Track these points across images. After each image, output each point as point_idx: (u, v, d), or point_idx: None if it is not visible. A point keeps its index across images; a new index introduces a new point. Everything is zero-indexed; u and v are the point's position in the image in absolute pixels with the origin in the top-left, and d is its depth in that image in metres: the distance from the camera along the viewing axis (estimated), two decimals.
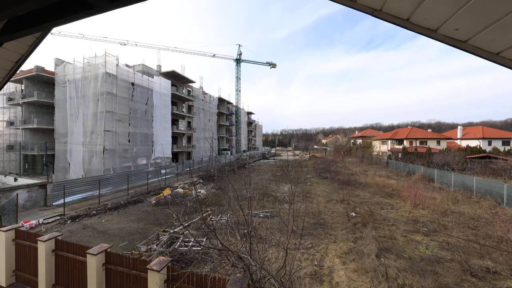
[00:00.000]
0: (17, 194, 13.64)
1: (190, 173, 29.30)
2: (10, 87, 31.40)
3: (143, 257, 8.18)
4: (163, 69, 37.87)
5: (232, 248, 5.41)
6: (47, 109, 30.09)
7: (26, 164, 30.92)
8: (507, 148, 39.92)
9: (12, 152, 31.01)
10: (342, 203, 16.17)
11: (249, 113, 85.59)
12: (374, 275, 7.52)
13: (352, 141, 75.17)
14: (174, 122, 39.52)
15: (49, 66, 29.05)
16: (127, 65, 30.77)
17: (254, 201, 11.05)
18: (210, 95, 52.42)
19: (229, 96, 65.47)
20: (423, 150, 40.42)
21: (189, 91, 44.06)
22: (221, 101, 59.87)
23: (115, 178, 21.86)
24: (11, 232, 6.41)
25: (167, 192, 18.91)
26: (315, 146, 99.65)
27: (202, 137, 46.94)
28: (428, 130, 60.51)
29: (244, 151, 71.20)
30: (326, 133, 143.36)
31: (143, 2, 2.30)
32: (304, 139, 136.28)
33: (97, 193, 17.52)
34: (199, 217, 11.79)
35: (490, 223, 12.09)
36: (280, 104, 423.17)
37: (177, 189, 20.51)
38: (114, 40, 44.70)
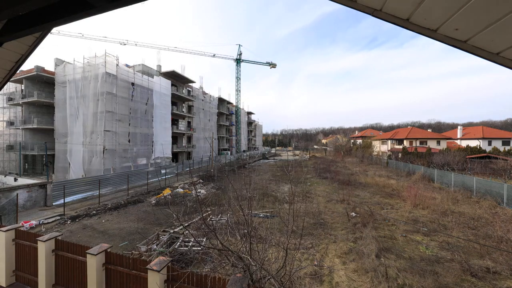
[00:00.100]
0: (17, 194, 13.64)
1: (190, 173, 29.30)
2: (10, 87, 31.40)
3: (143, 257, 8.18)
4: (163, 69, 37.87)
5: (232, 248, 5.41)
6: (47, 109, 30.09)
7: (26, 164, 30.92)
8: (507, 148, 39.91)
9: (12, 152, 31.01)
10: (342, 203, 16.17)
11: (249, 113, 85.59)
12: (374, 275, 7.52)
13: (352, 141, 75.18)
14: (174, 122, 39.52)
15: (49, 66, 29.10)
16: (127, 65, 30.78)
17: (254, 201, 11.05)
18: (210, 95, 52.42)
19: (229, 96, 65.56)
20: (423, 150, 40.42)
21: (189, 91, 44.06)
22: (221, 101, 59.87)
23: (115, 178, 21.86)
24: (11, 232, 6.41)
25: (167, 192, 18.91)
26: (315, 146, 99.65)
27: (202, 137, 46.94)
28: (428, 130, 60.50)
29: (244, 151, 71.20)
30: (326, 133, 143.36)
31: (143, 2, 2.30)
32: (304, 139, 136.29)
33: (97, 193, 17.52)
34: (199, 217, 11.79)
35: (490, 223, 12.09)
36: (280, 104, 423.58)
37: (177, 189, 20.51)
38: (114, 40, 44.74)
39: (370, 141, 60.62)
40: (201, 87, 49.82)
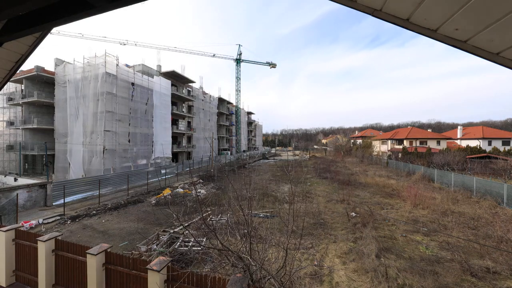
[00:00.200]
0: (17, 194, 13.64)
1: (190, 173, 29.29)
2: (10, 87, 31.40)
3: (143, 257, 8.18)
4: (163, 69, 37.87)
5: (232, 248, 5.41)
6: (47, 109, 30.09)
7: (26, 164, 30.92)
8: (507, 148, 39.91)
9: (12, 152, 31.01)
10: (342, 203, 16.17)
11: (249, 113, 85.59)
12: (374, 275, 7.52)
13: (352, 141, 75.18)
14: (174, 122, 39.53)
15: (49, 66, 29.10)
16: (127, 65, 30.78)
17: (254, 201, 11.05)
18: (210, 95, 52.42)
19: (229, 96, 65.56)
20: (423, 150, 40.42)
21: (189, 91, 44.06)
22: (221, 101, 59.87)
23: (115, 178, 21.86)
24: (11, 232, 6.41)
25: (167, 192, 18.91)
26: (315, 146, 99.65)
27: (202, 137, 46.94)
28: (428, 130, 60.50)
29: (244, 151, 71.21)
30: (326, 133, 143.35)
31: (143, 2, 2.30)
32: (304, 139, 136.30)
33: (97, 193, 17.52)
34: (199, 217, 11.79)
35: (490, 223, 12.09)
36: (281, 104, 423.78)
37: (177, 189, 20.51)
38: (114, 40, 44.73)
39: (370, 141, 60.62)
40: (201, 87, 49.83)
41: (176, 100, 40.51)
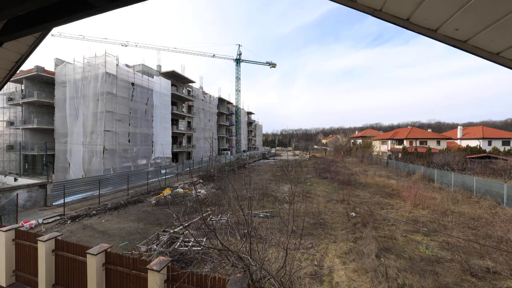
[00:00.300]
0: (17, 194, 13.64)
1: (190, 173, 29.30)
2: (10, 87, 31.40)
3: (143, 257, 8.18)
4: (163, 69, 37.88)
5: (232, 248, 5.41)
6: (47, 109, 30.09)
7: (26, 164, 30.92)
8: (507, 148, 39.92)
9: (12, 152, 31.01)
10: (342, 203, 16.17)
11: (249, 113, 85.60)
12: (374, 275, 7.52)
13: (352, 141, 75.19)
14: (174, 122, 39.52)
15: (49, 66, 29.10)
16: (127, 65, 30.78)
17: (254, 201, 11.05)
18: (210, 95, 52.43)
19: (229, 96, 65.56)
20: (423, 150, 40.42)
21: (189, 91, 44.06)
22: (221, 101, 59.88)
23: (115, 178, 21.86)
24: (11, 232, 6.41)
25: (167, 192, 18.91)
26: (315, 146, 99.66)
27: (202, 137, 46.94)
28: (428, 130, 60.50)
29: (244, 151, 71.21)
30: (326, 133, 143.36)
31: (143, 2, 2.30)
32: (304, 139, 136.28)
33: (97, 193, 17.52)
34: (199, 217, 11.79)
35: (490, 223, 12.09)
36: (281, 103, 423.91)
37: (177, 189, 20.51)
38: (114, 41, 44.69)
39: (370, 141, 60.63)
40: (201, 87, 49.84)
41: (176, 100, 40.51)
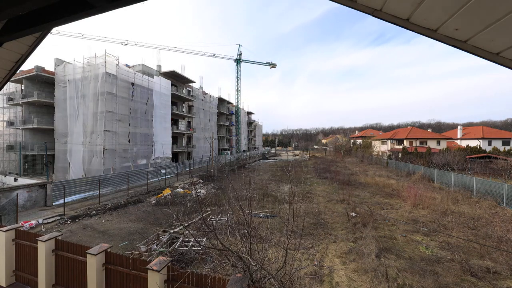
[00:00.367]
0: (17, 194, 13.64)
1: (190, 173, 29.30)
2: (10, 87, 31.40)
3: (143, 257, 8.18)
4: (163, 69, 37.87)
5: (232, 248, 5.41)
6: (47, 109, 30.09)
7: (26, 164, 30.91)
8: (507, 148, 39.91)
9: (12, 152, 31.01)
10: (342, 203, 16.17)
11: (249, 113, 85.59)
12: (374, 275, 7.52)
13: (352, 141, 75.16)
14: (174, 122, 39.53)
15: (49, 66, 29.09)
16: (127, 65, 30.78)
17: (254, 201, 11.05)
18: (210, 95, 52.42)
19: (229, 96, 65.56)
20: (423, 150, 40.42)
21: (189, 91, 44.06)
22: (221, 101, 59.88)
23: (115, 178, 21.86)
24: (11, 232, 6.41)
25: (167, 192, 18.91)
26: (315, 146, 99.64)
27: (202, 137, 46.94)
28: (428, 130, 60.49)
29: (244, 151, 71.20)
30: (326, 133, 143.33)
31: (143, 2, 2.30)
32: (304, 139, 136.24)
33: (97, 193, 17.52)
34: (199, 217, 11.79)
35: (490, 223, 12.09)
36: (281, 103, 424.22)
37: (177, 189, 20.51)
38: (114, 40, 44.71)
39: (370, 141, 60.62)
40: (201, 87, 49.83)
41: (176, 100, 40.51)
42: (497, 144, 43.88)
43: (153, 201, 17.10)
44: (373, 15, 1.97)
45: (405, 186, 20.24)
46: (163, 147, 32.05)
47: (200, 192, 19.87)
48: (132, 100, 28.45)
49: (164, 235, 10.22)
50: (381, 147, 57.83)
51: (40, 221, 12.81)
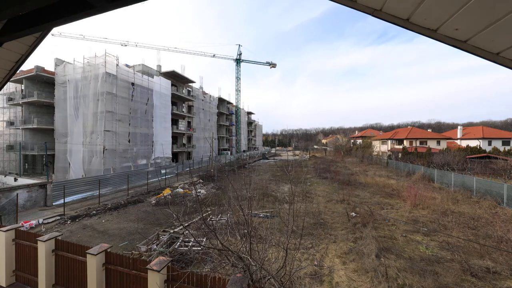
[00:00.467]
0: (17, 194, 13.64)
1: (190, 173, 29.30)
2: (10, 87, 31.40)
3: (143, 257, 8.18)
4: (163, 69, 37.87)
5: (232, 248, 5.41)
6: (47, 109, 30.10)
7: (26, 164, 30.91)
8: (507, 148, 39.91)
9: (12, 152, 31.01)
10: (342, 203, 16.17)
11: (249, 113, 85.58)
12: (374, 275, 7.52)
13: (352, 141, 75.16)
14: (174, 122, 39.53)
15: (49, 66, 29.09)
16: (127, 65, 30.78)
17: (254, 201, 11.04)
18: (210, 95, 52.42)
19: (229, 96, 65.55)
20: (423, 150, 40.41)
21: (189, 91, 44.06)
22: (221, 101, 59.88)
23: (115, 178, 21.86)
24: (11, 232, 6.41)
25: (167, 192, 18.91)
26: (315, 146, 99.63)
27: (202, 137, 46.94)
28: (428, 130, 60.49)
29: (244, 151, 71.19)
30: (326, 133, 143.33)
31: (143, 2, 2.30)
32: (304, 139, 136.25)
33: (97, 193, 17.52)
34: (199, 217, 11.79)
35: (490, 223, 12.09)
36: (282, 103, 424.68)
37: (177, 189, 20.51)
38: (114, 41, 44.65)
39: (370, 141, 60.61)
40: (201, 87, 49.83)
41: (176, 100, 40.51)
42: (497, 144, 43.87)
43: (153, 201, 17.10)
44: (373, 15, 1.97)
45: (405, 186, 20.23)
46: (163, 147, 32.05)
47: (200, 192, 19.87)
48: (132, 100, 28.45)
49: (164, 235, 10.22)
50: (381, 147, 57.83)
51: (40, 221, 12.81)
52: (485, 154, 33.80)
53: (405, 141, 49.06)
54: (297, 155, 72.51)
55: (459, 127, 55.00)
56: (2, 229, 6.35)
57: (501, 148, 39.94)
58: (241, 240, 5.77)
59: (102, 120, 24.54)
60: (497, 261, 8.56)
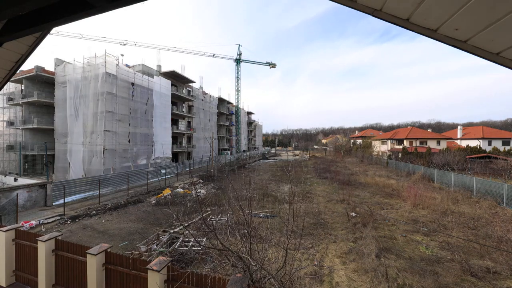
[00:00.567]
0: (17, 194, 13.64)
1: (190, 173, 29.30)
2: (10, 87, 31.40)
3: (143, 257, 8.18)
4: (163, 69, 37.87)
5: (232, 248, 5.41)
6: (47, 109, 30.09)
7: (26, 164, 30.91)
8: (507, 148, 39.91)
9: (12, 152, 31.01)
10: (342, 203, 16.17)
11: (249, 113, 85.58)
12: (374, 275, 7.52)
13: (352, 141, 75.16)
14: (174, 122, 39.53)
15: (49, 66, 29.09)
16: (127, 65, 30.78)
17: (254, 201, 11.04)
18: (210, 95, 52.42)
19: (229, 96, 65.54)
20: (423, 150, 40.41)
21: (189, 91, 44.06)
22: (221, 101, 59.87)
23: (115, 178, 21.86)
24: (11, 232, 6.41)
25: (167, 192, 18.91)
26: (315, 146, 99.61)
27: (202, 137, 46.93)
28: (428, 130, 60.49)
29: (244, 151, 71.19)
30: (326, 133, 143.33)
31: (143, 2, 2.30)
32: (304, 139, 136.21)
33: (97, 193, 17.52)
34: (199, 217, 11.79)
35: (490, 223, 12.09)
36: (282, 103, 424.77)
37: (177, 189, 20.51)
38: (113, 40, 44.62)
39: (370, 141, 60.62)
40: (201, 87, 49.83)
41: (176, 100, 40.51)
42: (497, 144, 43.87)
43: (153, 201, 17.10)
44: (373, 15, 1.97)
45: (405, 186, 20.23)
46: (163, 147, 32.05)
47: (200, 192, 19.87)
48: (132, 100, 28.45)
49: (164, 235, 10.22)
50: (381, 147, 57.83)
51: (40, 221, 12.81)
52: (485, 154, 33.80)
53: (405, 141, 49.06)
54: (297, 155, 72.50)
55: (459, 127, 55.00)
56: (2, 229, 6.35)
57: (501, 148, 39.94)
58: (241, 240, 5.77)
59: (102, 120, 24.54)
60: (497, 261, 8.56)
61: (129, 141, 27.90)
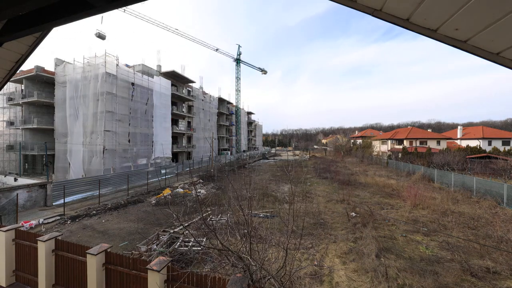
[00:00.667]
0: (17, 194, 13.64)
1: (190, 173, 29.30)
2: (10, 87, 31.39)
3: (143, 257, 8.18)
4: (163, 69, 37.86)
5: (232, 248, 5.41)
6: (47, 109, 30.09)
7: (26, 164, 30.91)
8: (507, 148, 39.91)
9: (12, 152, 31.01)
10: (342, 203, 16.17)
11: (249, 113, 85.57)
12: (374, 275, 7.52)
13: (352, 141, 75.15)
14: (174, 122, 39.53)
15: (49, 66, 29.08)
16: (127, 65, 30.77)
17: (254, 201, 11.04)
18: (210, 95, 52.40)
19: (229, 96, 65.53)
20: (423, 150, 40.41)
21: (189, 91, 44.05)
22: (221, 101, 59.87)
23: (115, 178, 21.86)
24: (11, 232, 6.41)
25: (167, 192, 18.91)
26: (315, 146, 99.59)
27: (202, 137, 46.92)
28: (428, 130, 60.51)
29: (244, 151, 71.19)
30: (326, 133, 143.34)
31: (143, 2, 2.30)
32: (304, 139, 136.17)
33: (97, 193, 17.52)
34: (199, 217, 11.79)
35: (490, 223, 12.09)
36: (282, 103, 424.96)
37: (177, 189, 20.51)
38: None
39: (370, 141, 60.61)
40: (201, 87, 49.81)
41: (176, 100, 40.50)
42: (497, 144, 43.87)
43: (153, 201, 17.10)
44: (373, 15, 1.97)
45: (405, 186, 20.23)
46: (163, 147, 32.05)
47: (200, 192, 19.87)
48: (132, 100, 28.45)
49: (164, 235, 10.22)
50: (381, 147, 57.83)
51: (40, 221, 12.81)
52: (485, 154, 33.80)
53: (405, 141, 49.06)
54: (297, 155, 72.49)
55: (459, 127, 55.01)
56: (2, 229, 6.35)
57: (501, 148, 39.94)
58: (241, 240, 5.77)
59: (102, 120, 24.54)
60: (497, 261, 8.56)
61: (129, 141, 27.90)
